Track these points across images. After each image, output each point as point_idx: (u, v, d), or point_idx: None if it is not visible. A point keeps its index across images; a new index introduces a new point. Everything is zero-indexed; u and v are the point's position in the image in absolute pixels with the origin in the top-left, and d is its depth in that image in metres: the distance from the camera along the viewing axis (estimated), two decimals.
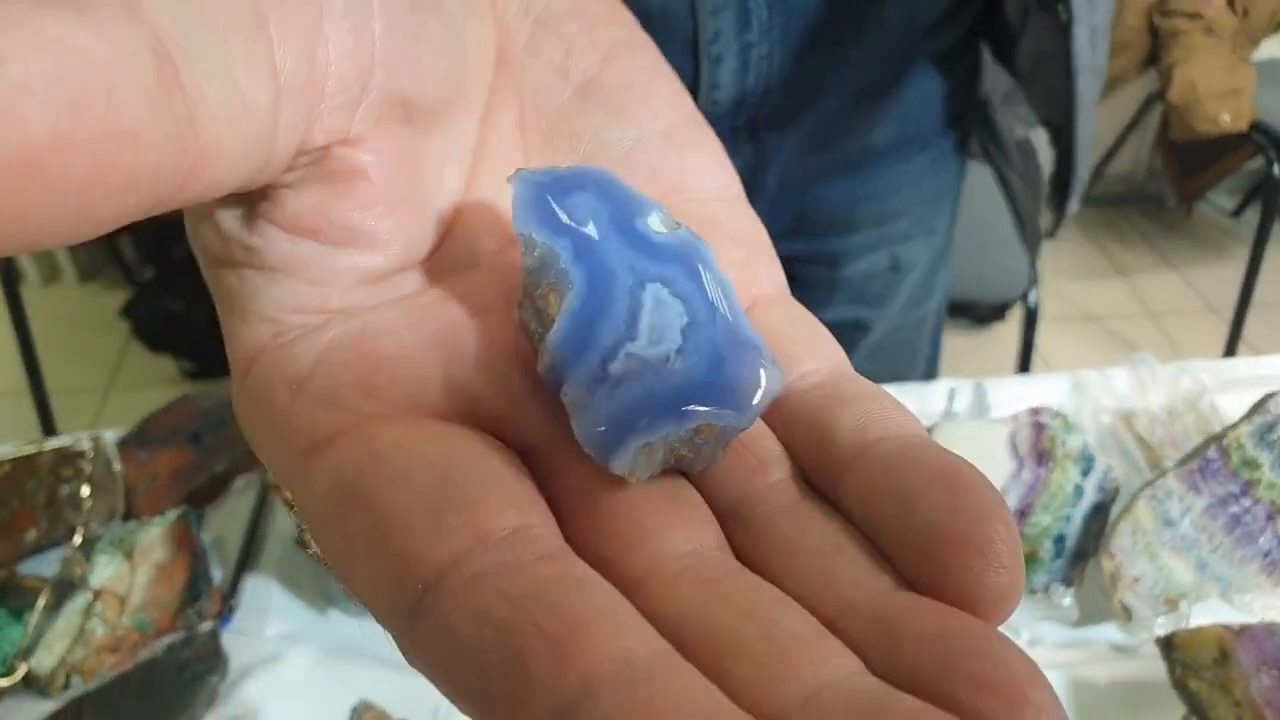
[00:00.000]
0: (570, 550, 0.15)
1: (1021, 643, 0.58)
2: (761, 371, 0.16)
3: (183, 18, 0.13)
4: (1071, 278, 2.09)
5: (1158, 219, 2.22)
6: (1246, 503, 0.58)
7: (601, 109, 0.20)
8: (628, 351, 0.16)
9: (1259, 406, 0.58)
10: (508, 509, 0.14)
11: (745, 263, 0.20)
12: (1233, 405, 0.65)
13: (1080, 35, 0.56)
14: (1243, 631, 0.52)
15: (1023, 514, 0.59)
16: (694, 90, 0.56)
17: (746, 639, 0.13)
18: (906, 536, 0.15)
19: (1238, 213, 2.21)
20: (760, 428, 0.17)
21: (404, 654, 0.14)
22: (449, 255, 0.19)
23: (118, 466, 0.65)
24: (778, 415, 0.17)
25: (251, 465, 0.65)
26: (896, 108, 0.63)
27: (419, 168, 0.18)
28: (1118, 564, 0.58)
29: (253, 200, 0.17)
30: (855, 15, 0.57)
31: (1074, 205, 0.65)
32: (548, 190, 0.17)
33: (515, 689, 0.12)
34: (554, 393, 0.16)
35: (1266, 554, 0.59)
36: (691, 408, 0.16)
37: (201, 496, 0.64)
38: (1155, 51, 1.81)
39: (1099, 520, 0.60)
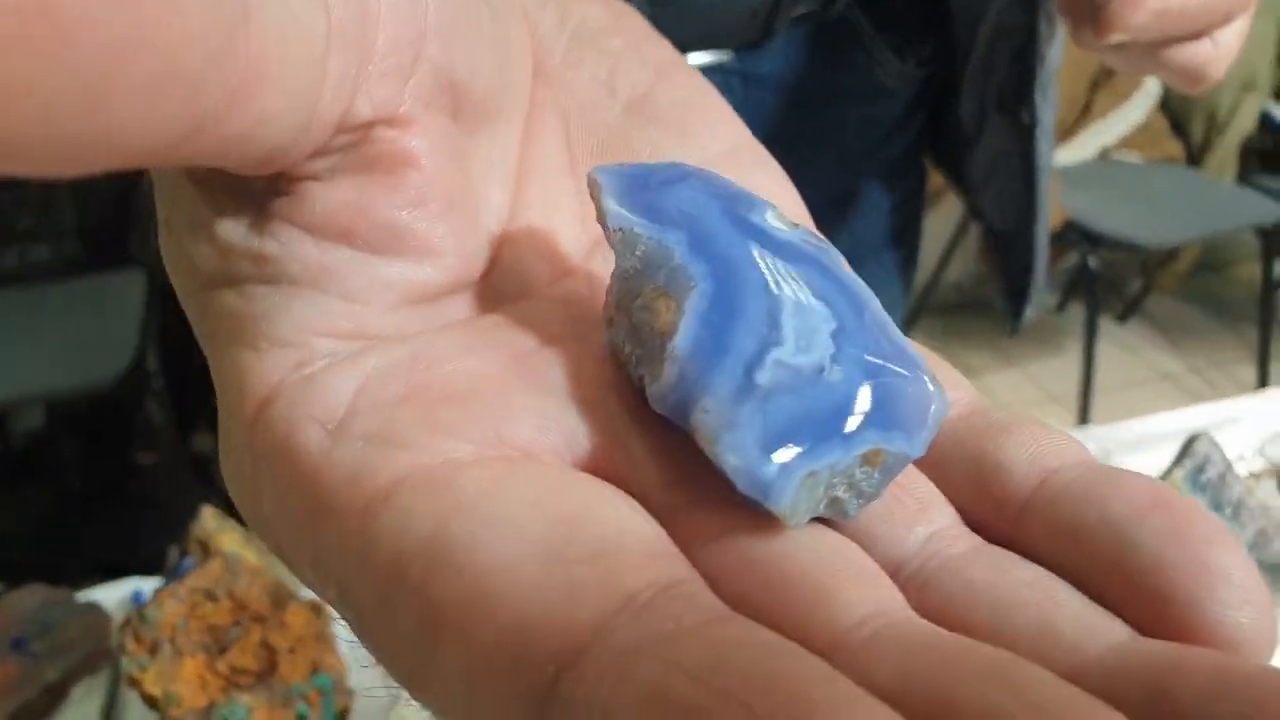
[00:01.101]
0: (737, 614, 0.12)
1: None
2: (929, 391, 0.14)
3: None
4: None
5: (992, 320, 2.34)
6: None
7: (658, 126, 0.18)
8: (776, 358, 0.13)
9: (1186, 450, 0.57)
10: (649, 562, 0.12)
11: None
12: (1138, 464, 0.67)
13: (1040, 136, 0.57)
14: None
15: None
16: None
17: (1007, 712, 0.10)
18: (1129, 572, 0.12)
19: (1061, 308, 2.36)
20: (909, 467, 0.15)
21: None
22: (497, 284, 0.16)
23: None
24: (927, 452, 0.15)
25: (94, 667, 0.55)
26: (854, 216, 0.62)
27: (469, 171, 0.16)
28: None
29: (266, 198, 0.14)
30: (816, 119, 0.58)
31: (1030, 312, 0.64)
32: (640, 182, 0.15)
33: None
34: (677, 417, 0.13)
35: None
36: (860, 431, 0.13)
37: (31, 713, 0.53)
38: None
39: None
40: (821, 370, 0.13)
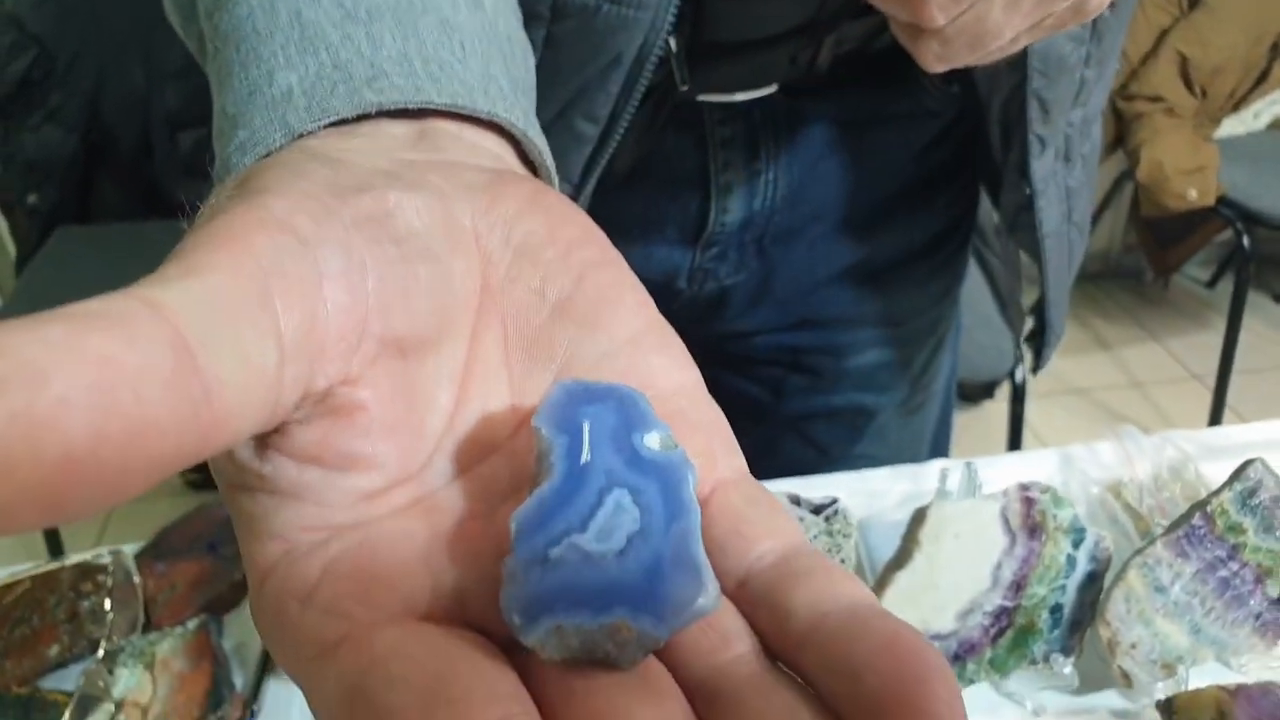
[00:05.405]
0: None
1: (1025, 712, 0.59)
2: (699, 593, 0.18)
3: (198, 310, 0.15)
4: (1056, 353, 2.13)
5: (1137, 292, 2.27)
6: (1235, 566, 0.60)
7: (575, 323, 0.23)
8: (571, 541, 0.18)
9: (1239, 473, 0.59)
10: (492, 702, 0.16)
11: (706, 450, 0.22)
12: (1217, 472, 0.65)
13: (1043, 206, 0.59)
14: (1238, 691, 0.53)
15: (1019, 587, 0.61)
16: (704, 215, 0.63)
17: None
18: (858, 704, 0.16)
19: (1212, 284, 2.25)
20: (725, 605, 0.19)
21: None
22: (441, 467, 0.21)
23: (137, 579, 0.67)
24: (742, 594, 0.19)
25: None
26: (898, 223, 0.67)
27: (414, 393, 0.20)
28: (1114, 631, 0.60)
29: (264, 434, 0.19)
30: (855, 144, 0.62)
31: (1049, 357, 0.67)
32: (574, 397, 0.20)
33: None
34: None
35: (1258, 616, 0.61)
36: (613, 607, 0.17)
37: (221, 604, 0.65)
38: (1121, 133, 1.89)
39: (1094, 589, 0.61)
40: (605, 557, 0.17)
